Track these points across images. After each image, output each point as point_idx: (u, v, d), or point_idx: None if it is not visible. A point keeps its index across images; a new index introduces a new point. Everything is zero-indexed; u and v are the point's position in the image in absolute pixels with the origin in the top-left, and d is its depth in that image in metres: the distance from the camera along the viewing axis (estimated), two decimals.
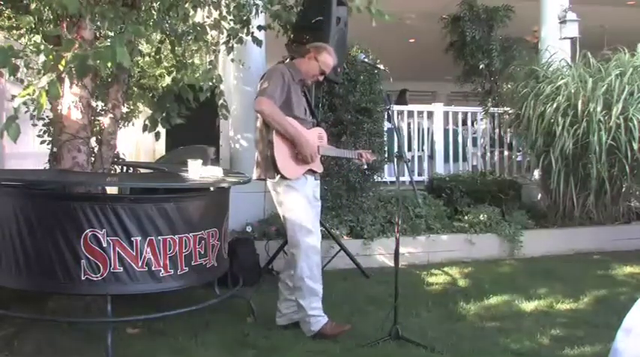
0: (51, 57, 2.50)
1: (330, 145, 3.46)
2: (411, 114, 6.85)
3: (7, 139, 2.40)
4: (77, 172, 3.31)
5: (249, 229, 4.78)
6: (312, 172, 3.17)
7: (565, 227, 5.56)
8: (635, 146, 4.89)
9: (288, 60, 3.27)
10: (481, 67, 7.03)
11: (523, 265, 4.90)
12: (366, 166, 3.67)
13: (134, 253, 2.72)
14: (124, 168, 4.77)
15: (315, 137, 3.21)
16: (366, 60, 3.98)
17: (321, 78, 3.26)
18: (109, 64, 2.43)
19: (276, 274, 4.42)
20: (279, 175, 3.01)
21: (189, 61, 4.70)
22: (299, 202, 3.04)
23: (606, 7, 8.01)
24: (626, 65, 5.24)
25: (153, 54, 4.58)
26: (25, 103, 2.65)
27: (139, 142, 9.93)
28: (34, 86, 2.53)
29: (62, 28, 3.26)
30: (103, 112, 4.18)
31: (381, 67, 4.05)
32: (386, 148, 5.29)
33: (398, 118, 6.58)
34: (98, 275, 2.66)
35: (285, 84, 3.05)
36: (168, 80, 4.81)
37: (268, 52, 5.23)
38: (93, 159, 3.58)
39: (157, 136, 4.26)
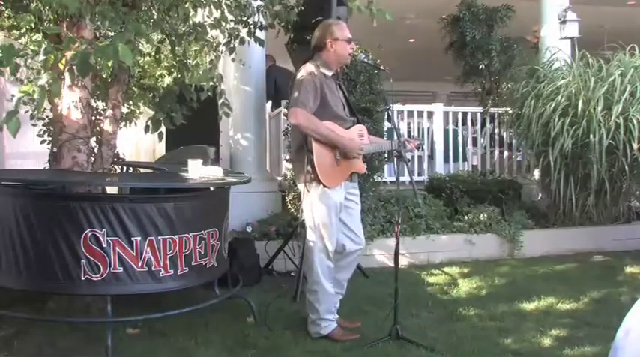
0: (51, 56, 2.50)
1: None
2: (411, 114, 6.86)
3: (8, 139, 2.40)
4: (77, 172, 3.31)
5: (249, 229, 4.78)
6: (350, 174, 3.08)
7: (565, 227, 5.56)
8: (635, 146, 4.89)
9: (315, 56, 3.08)
10: (481, 67, 7.03)
11: (523, 265, 4.90)
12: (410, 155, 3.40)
13: (134, 253, 2.72)
14: (124, 168, 4.77)
15: (356, 136, 3.10)
16: (366, 60, 3.97)
17: (353, 48, 3.12)
18: (110, 64, 2.43)
19: (276, 274, 4.43)
20: (321, 185, 2.92)
21: (192, 61, 4.70)
22: (326, 208, 2.96)
23: (606, 7, 8.03)
24: (627, 65, 5.24)
25: (153, 54, 4.58)
26: (25, 103, 2.66)
27: (139, 142, 9.94)
28: (34, 84, 2.54)
29: (62, 28, 3.26)
30: (103, 112, 4.18)
31: (382, 67, 4.04)
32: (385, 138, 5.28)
33: (398, 118, 6.59)
34: (98, 275, 2.66)
35: (317, 87, 2.93)
36: (168, 80, 4.81)
37: (268, 51, 5.23)
38: (93, 159, 3.58)
39: (160, 136, 4.26)
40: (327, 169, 2.94)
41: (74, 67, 2.66)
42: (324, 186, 2.93)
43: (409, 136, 6.76)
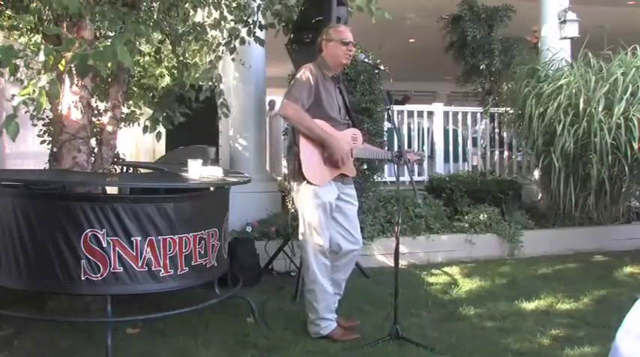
0: (51, 57, 2.50)
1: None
2: (411, 114, 6.86)
3: (8, 139, 2.40)
4: (77, 172, 3.31)
5: (249, 229, 4.78)
6: (342, 176, 3.07)
7: (565, 227, 5.56)
8: (635, 146, 4.89)
9: (318, 58, 3.12)
10: (481, 67, 7.03)
11: (523, 265, 4.90)
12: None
13: (134, 253, 2.72)
14: (124, 168, 4.77)
15: (348, 139, 3.09)
16: (366, 60, 3.96)
17: (351, 50, 3.10)
18: (110, 64, 2.43)
19: (276, 274, 4.43)
20: (304, 181, 2.93)
21: (192, 61, 4.70)
22: (315, 206, 2.96)
23: (606, 7, 8.03)
24: (628, 65, 5.24)
25: (153, 54, 4.58)
26: (25, 103, 2.66)
27: (138, 142, 9.95)
28: (34, 85, 2.54)
29: (62, 28, 3.26)
30: (103, 112, 4.18)
31: (382, 67, 4.04)
32: (386, 148, 5.29)
33: (398, 118, 6.59)
34: (98, 275, 2.66)
35: (312, 85, 2.95)
36: (168, 80, 4.81)
37: (268, 51, 5.23)
38: (93, 159, 3.58)
39: (159, 136, 4.27)
40: (312, 165, 2.94)
41: (73, 68, 2.66)
42: (308, 183, 2.93)
43: (409, 136, 6.77)
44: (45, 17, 3.43)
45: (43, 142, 4.62)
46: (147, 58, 4.85)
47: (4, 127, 2.36)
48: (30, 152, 5.86)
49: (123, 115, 4.51)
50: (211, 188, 3.40)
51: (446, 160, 7.02)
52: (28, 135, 5.08)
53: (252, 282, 4.04)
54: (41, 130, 4.57)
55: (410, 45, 10.40)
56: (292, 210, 4.94)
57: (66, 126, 3.32)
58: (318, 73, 3.03)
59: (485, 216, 5.26)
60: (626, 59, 5.33)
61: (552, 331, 3.19)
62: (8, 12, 3.77)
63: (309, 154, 2.94)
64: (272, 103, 9.91)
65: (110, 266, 2.67)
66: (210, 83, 4.13)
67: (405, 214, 5.04)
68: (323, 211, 2.98)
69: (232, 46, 4.27)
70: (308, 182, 2.94)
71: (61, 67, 2.75)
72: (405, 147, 6.01)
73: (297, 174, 2.96)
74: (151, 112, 4.53)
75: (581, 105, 5.00)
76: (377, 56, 4.75)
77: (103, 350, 2.66)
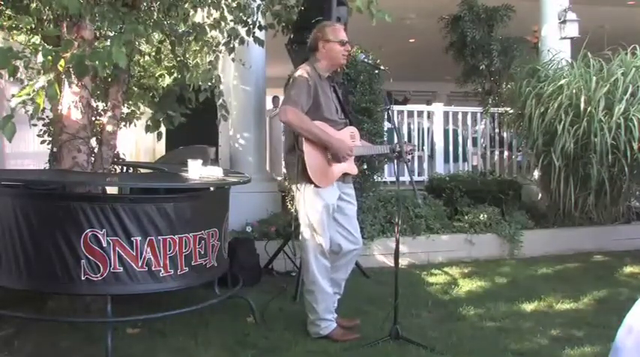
0: (50, 58, 2.50)
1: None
2: (411, 114, 6.86)
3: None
4: (77, 172, 3.31)
5: (249, 229, 4.78)
6: (343, 175, 3.07)
7: (565, 227, 5.56)
8: (635, 146, 4.88)
9: (311, 57, 3.11)
10: (481, 67, 7.03)
11: (523, 265, 4.90)
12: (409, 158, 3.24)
13: (134, 253, 2.72)
14: (124, 168, 4.77)
15: (347, 138, 3.10)
16: (366, 60, 3.96)
17: (349, 50, 3.10)
18: (107, 63, 2.43)
19: (276, 274, 4.43)
20: (309, 183, 2.93)
21: (192, 62, 4.70)
22: (318, 208, 2.96)
23: (606, 7, 8.03)
24: (628, 65, 5.24)
25: (153, 54, 4.58)
26: (24, 103, 2.66)
27: (138, 142, 9.94)
28: (32, 86, 2.54)
29: (62, 28, 3.26)
30: (103, 112, 4.18)
31: (382, 67, 4.03)
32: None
33: (398, 118, 6.59)
34: (98, 275, 2.66)
35: (310, 87, 2.94)
36: (168, 80, 4.81)
37: (268, 51, 5.23)
38: (93, 159, 3.58)
39: (159, 136, 4.26)
40: (318, 168, 2.94)
41: (71, 69, 2.67)
42: (316, 186, 2.93)
43: (409, 136, 6.77)
44: (45, 18, 3.42)
45: (43, 142, 4.62)
46: (147, 58, 4.85)
47: (0, 128, 2.36)
48: (30, 152, 5.86)
49: (123, 115, 4.51)
50: (211, 188, 3.40)
51: (446, 160, 7.02)
52: (28, 135, 5.08)
53: (252, 282, 4.04)
54: (41, 130, 4.57)
55: (410, 45, 10.41)
56: (292, 210, 4.95)
57: (66, 126, 3.32)
58: (315, 74, 3.02)
59: (485, 216, 5.26)
60: (626, 59, 5.32)
61: (552, 331, 3.19)
62: (8, 12, 3.76)
63: (313, 156, 2.94)
64: (276, 101, 9.89)
65: (110, 266, 2.67)
66: (210, 84, 4.13)
67: (405, 214, 5.04)
68: (326, 213, 2.99)
69: (232, 46, 4.27)
70: (315, 185, 2.94)
71: (60, 68, 2.75)
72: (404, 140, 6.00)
73: (302, 176, 2.95)
74: (150, 111, 4.52)
75: (582, 105, 5.00)
76: (377, 56, 4.76)
77: (103, 350, 2.66)
